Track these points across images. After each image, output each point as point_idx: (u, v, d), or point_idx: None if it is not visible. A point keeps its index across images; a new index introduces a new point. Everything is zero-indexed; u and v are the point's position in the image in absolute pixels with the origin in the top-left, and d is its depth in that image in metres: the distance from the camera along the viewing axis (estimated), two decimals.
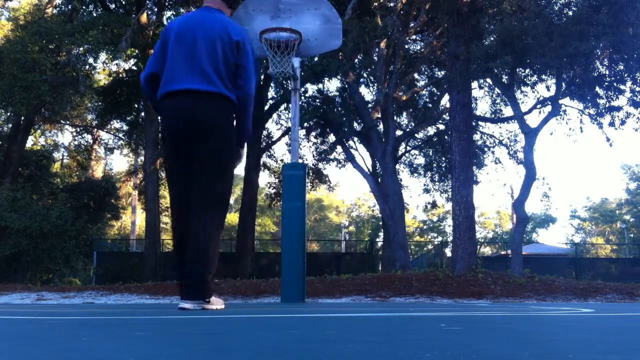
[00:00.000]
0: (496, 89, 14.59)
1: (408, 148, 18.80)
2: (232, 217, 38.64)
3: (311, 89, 14.51)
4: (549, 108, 12.17)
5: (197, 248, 3.15)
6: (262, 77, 16.40)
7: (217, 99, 3.26)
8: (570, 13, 10.93)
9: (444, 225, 43.23)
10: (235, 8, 3.60)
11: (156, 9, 15.39)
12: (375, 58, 12.77)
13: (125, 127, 19.32)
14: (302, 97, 13.56)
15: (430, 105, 16.71)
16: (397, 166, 17.06)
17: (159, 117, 3.54)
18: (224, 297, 8.00)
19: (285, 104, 16.45)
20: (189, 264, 3.14)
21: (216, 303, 3.28)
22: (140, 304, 5.85)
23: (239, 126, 3.44)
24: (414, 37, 15.08)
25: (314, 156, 16.49)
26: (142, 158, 17.74)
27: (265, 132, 17.69)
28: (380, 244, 22.80)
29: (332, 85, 50.04)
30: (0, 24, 19.23)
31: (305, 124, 13.78)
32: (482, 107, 36.65)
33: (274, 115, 17.92)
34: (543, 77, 12.73)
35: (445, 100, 15.86)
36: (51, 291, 8.91)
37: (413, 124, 16.66)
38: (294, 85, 6.48)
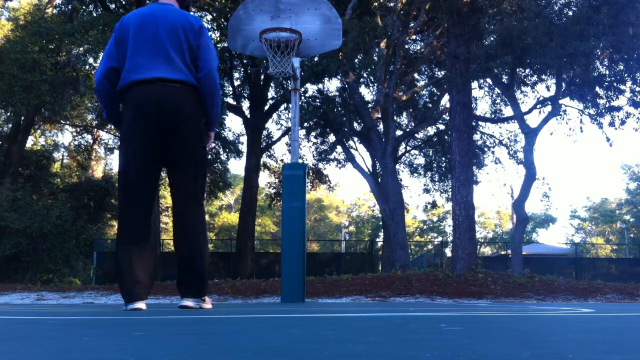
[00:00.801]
0: (496, 89, 14.61)
1: (408, 148, 18.81)
2: (232, 217, 38.63)
3: (311, 89, 14.53)
4: (549, 108, 12.18)
5: (193, 246, 3.15)
6: (262, 77, 16.41)
7: (185, 87, 3.16)
8: (570, 13, 10.93)
9: (444, 225, 43.25)
10: (188, 9, 3.49)
11: None
12: (375, 58, 12.78)
13: None
14: (302, 97, 13.56)
15: (430, 105, 16.72)
16: (397, 166, 17.07)
17: (122, 108, 3.27)
18: (224, 297, 8.01)
19: (285, 104, 16.46)
20: (187, 263, 3.14)
21: (208, 302, 3.31)
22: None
23: (207, 108, 3.30)
24: (414, 37, 15.09)
25: (314, 156, 16.51)
26: None
27: (265, 132, 17.71)
28: (380, 244, 22.81)
29: (332, 85, 50.06)
30: (0, 24, 19.23)
31: (305, 124, 13.78)
32: (482, 107, 36.65)
33: (274, 115, 17.95)
34: (543, 77, 12.74)
35: (445, 100, 15.88)
36: (51, 291, 8.91)
37: (413, 124, 16.67)
38: (294, 85, 6.48)
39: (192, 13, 3.42)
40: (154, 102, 3.08)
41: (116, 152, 22.98)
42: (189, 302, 3.11)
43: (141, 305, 3.01)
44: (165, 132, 3.10)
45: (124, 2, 15.67)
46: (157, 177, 3.23)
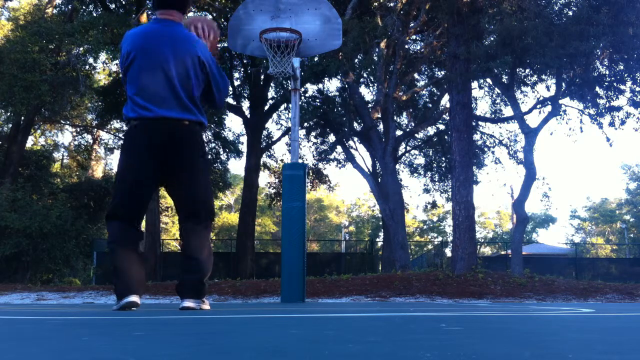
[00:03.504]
0: (496, 89, 14.60)
1: (408, 148, 18.81)
2: (232, 217, 38.62)
3: (311, 89, 14.53)
4: (549, 108, 12.17)
5: (196, 251, 3.18)
6: (262, 77, 16.41)
7: (193, 125, 3.21)
8: (570, 13, 10.94)
9: (444, 225, 43.23)
10: (187, 12, 3.46)
11: None
12: (375, 58, 12.77)
13: (125, 127, 19.30)
14: (302, 97, 13.56)
15: (430, 105, 16.72)
16: (397, 166, 17.06)
17: (125, 136, 3.30)
18: (224, 297, 8.01)
19: (285, 104, 16.45)
20: (190, 265, 3.17)
21: (207, 303, 3.35)
22: (140, 304, 5.84)
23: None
24: (414, 37, 15.09)
25: (314, 156, 16.50)
26: None
27: (265, 132, 17.70)
28: (380, 244, 22.81)
29: (332, 85, 50.05)
30: (0, 24, 19.22)
31: (305, 124, 13.78)
32: (482, 107, 36.64)
33: (274, 115, 17.94)
34: (543, 77, 12.74)
35: (445, 100, 15.88)
36: (51, 291, 8.91)
37: (413, 124, 16.66)
38: (294, 85, 6.48)
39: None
40: (160, 141, 3.13)
41: (116, 152, 22.95)
42: (190, 303, 3.12)
43: (135, 298, 3.02)
44: (170, 170, 3.17)
45: (124, 2, 15.67)
46: (155, 191, 3.31)
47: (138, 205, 3.17)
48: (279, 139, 18.56)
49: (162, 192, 16.69)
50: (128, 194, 3.14)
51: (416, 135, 17.48)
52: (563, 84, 11.66)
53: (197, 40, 3.31)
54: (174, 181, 3.22)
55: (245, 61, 16.32)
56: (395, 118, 15.53)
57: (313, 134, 15.13)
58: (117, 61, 16.24)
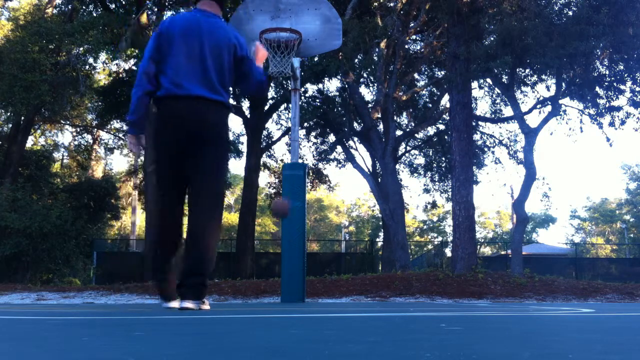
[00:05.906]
0: (496, 89, 14.60)
1: (408, 148, 18.81)
2: (232, 217, 38.62)
3: (311, 89, 14.52)
4: (549, 108, 12.17)
5: (200, 249, 3.17)
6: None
7: (222, 107, 3.33)
8: (570, 13, 10.94)
9: (444, 225, 43.22)
10: (224, 7, 3.61)
11: (156, 9, 15.37)
12: (375, 58, 12.77)
13: (125, 127, 19.32)
14: (302, 97, 13.55)
15: (430, 105, 16.72)
16: (397, 166, 17.06)
17: (156, 115, 3.34)
18: (224, 297, 8.01)
19: (285, 104, 16.45)
20: (192, 265, 3.15)
21: (207, 303, 3.34)
22: (140, 304, 5.86)
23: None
24: (414, 37, 15.09)
25: (314, 156, 16.50)
26: (142, 158, 17.75)
27: (265, 132, 17.70)
28: (380, 244, 22.80)
29: (332, 85, 50.02)
30: (0, 24, 19.22)
31: (305, 124, 13.78)
32: (482, 107, 36.62)
33: (274, 115, 17.93)
34: (543, 77, 12.73)
35: (445, 100, 15.88)
36: (51, 291, 8.90)
37: (413, 124, 16.66)
38: (294, 85, 6.48)
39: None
40: (194, 117, 3.24)
41: (116, 152, 22.96)
42: (189, 304, 3.12)
43: (175, 304, 3.25)
44: (196, 146, 3.26)
45: (124, 2, 15.66)
46: (186, 183, 3.36)
47: (175, 198, 3.34)
48: (279, 139, 18.57)
49: None
50: (164, 191, 3.34)
51: (416, 135, 17.48)
52: (563, 84, 11.66)
53: (236, 33, 3.45)
54: (193, 166, 3.28)
55: None
56: (395, 118, 15.54)
57: (313, 134, 15.13)
58: (117, 61, 16.25)
